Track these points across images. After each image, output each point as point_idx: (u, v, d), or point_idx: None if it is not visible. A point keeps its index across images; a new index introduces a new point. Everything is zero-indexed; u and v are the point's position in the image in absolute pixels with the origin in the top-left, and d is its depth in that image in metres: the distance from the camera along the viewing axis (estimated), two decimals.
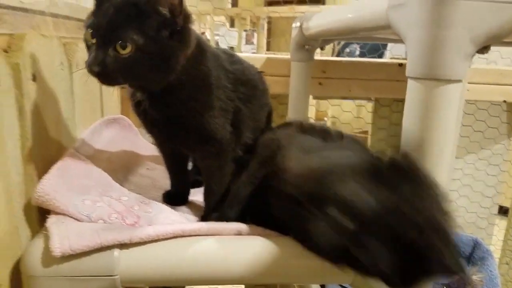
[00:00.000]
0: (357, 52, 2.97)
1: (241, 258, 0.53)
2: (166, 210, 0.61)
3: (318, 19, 0.91)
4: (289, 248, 0.55)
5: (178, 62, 0.56)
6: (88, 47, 0.55)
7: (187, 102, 0.60)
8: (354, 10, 0.70)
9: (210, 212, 0.66)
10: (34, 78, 0.60)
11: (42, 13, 0.66)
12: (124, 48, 0.51)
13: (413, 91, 0.52)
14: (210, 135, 0.62)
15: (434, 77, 0.49)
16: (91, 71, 0.53)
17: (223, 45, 3.31)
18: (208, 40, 3.67)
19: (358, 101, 1.66)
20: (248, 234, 0.56)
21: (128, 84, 0.59)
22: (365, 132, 1.50)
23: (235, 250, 0.54)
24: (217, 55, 0.66)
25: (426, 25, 0.48)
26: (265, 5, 3.12)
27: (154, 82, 0.57)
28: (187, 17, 0.56)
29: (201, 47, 0.62)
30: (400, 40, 0.56)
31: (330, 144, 0.61)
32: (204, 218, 0.65)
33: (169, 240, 0.52)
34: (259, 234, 0.57)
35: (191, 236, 0.54)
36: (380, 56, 1.56)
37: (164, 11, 0.53)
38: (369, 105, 1.43)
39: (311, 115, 2.21)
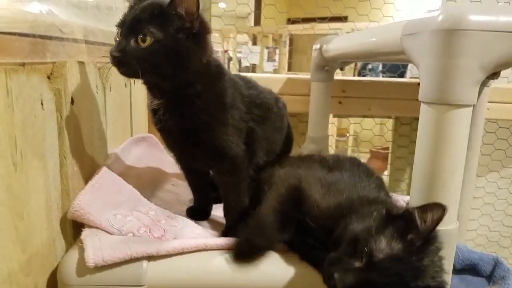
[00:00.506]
0: (380, 68, 2.97)
1: (261, 272, 0.56)
2: (190, 224, 0.65)
3: (337, 43, 0.95)
4: (305, 266, 0.58)
5: (191, 63, 0.61)
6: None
7: (201, 115, 0.63)
8: (370, 36, 0.73)
9: (231, 227, 0.69)
10: (72, 102, 0.66)
11: (79, 41, 0.72)
12: (144, 41, 0.57)
13: (425, 115, 0.54)
14: (223, 152, 0.65)
15: (445, 102, 0.52)
16: (112, 56, 0.58)
17: (246, 63, 3.38)
18: (231, 58, 3.74)
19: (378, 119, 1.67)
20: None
21: (143, 80, 0.63)
22: (386, 149, 1.51)
23: (255, 264, 0.57)
24: (234, 80, 0.70)
25: (437, 53, 0.51)
26: (287, 23, 3.17)
27: (167, 78, 0.60)
28: (203, 23, 0.61)
29: (220, 69, 0.67)
30: None
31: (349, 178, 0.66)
32: (224, 233, 0.69)
33: (193, 253, 0.56)
34: (278, 251, 0.60)
35: (214, 250, 0.57)
36: (401, 75, 1.58)
37: (183, 14, 0.59)
38: (390, 122, 1.45)
39: (332, 132, 2.23)
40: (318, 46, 1.04)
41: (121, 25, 0.60)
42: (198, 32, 0.60)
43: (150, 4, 0.59)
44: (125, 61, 0.58)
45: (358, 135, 2.94)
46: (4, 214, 0.47)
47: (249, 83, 0.75)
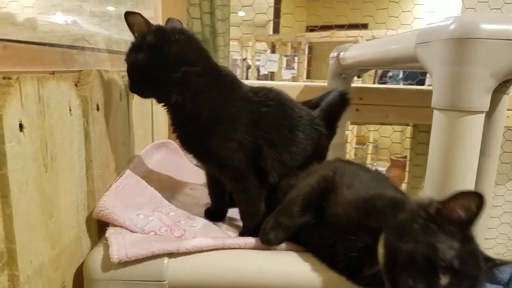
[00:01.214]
0: (400, 76, 2.96)
1: (277, 270, 0.58)
2: (209, 225, 0.68)
3: (353, 51, 0.97)
4: (322, 265, 0.59)
5: (154, 75, 0.67)
6: None
7: (192, 125, 0.67)
8: (386, 44, 0.75)
9: (246, 231, 0.71)
10: (98, 108, 0.70)
11: (103, 50, 0.76)
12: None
13: (438, 121, 0.56)
14: (222, 162, 0.67)
15: (457, 109, 0.53)
16: None
17: (264, 71, 3.41)
18: (249, 66, 3.78)
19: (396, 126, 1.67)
20: (284, 249, 0.61)
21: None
22: (405, 157, 1.51)
23: (272, 263, 0.59)
24: (247, 98, 0.70)
25: (449, 61, 0.52)
26: (306, 31, 3.20)
27: (145, 91, 0.72)
28: (161, 36, 0.66)
29: (215, 81, 0.68)
30: None
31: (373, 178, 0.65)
32: (241, 234, 0.71)
33: (211, 252, 0.58)
34: (294, 250, 0.62)
35: (231, 249, 0.59)
36: (420, 83, 1.58)
37: (136, 34, 0.67)
38: (409, 130, 1.44)
39: (351, 140, 2.23)
40: (335, 54, 1.06)
41: None
42: (155, 44, 0.65)
43: None
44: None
45: (377, 142, 2.93)
46: (36, 212, 0.50)
47: (266, 98, 0.72)
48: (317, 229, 0.60)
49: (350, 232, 0.54)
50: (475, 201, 0.47)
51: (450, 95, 0.53)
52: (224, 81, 0.69)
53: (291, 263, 0.59)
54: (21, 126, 0.47)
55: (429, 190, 0.57)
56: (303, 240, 0.62)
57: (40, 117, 0.51)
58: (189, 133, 0.68)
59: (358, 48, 0.93)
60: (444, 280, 0.46)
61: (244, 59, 3.86)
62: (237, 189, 0.71)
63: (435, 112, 0.57)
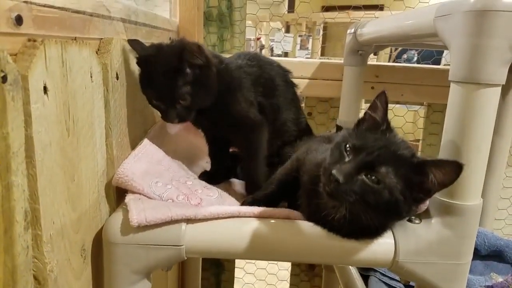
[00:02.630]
0: (415, 58, 2.91)
1: (289, 238, 0.59)
2: (225, 195, 0.69)
3: (371, 26, 0.95)
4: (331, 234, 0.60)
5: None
6: None
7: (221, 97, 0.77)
8: (404, 19, 0.74)
9: (254, 187, 0.77)
10: (118, 77, 0.71)
11: (124, 20, 0.76)
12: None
13: (454, 94, 0.56)
14: (242, 119, 0.79)
15: (474, 81, 0.53)
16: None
17: (278, 51, 3.38)
18: (263, 45, 3.74)
19: (410, 109, 1.66)
20: (296, 218, 0.63)
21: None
22: (417, 141, 1.50)
23: (284, 231, 0.60)
24: (238, 67, 0.83)
25: (468, 33, 0.52)
26: (321, 11, 3.15)
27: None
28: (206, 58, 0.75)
29: (223, 67, 0.80)
30: (446, 47, 0.59)
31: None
32: (249, 191, 0.78)
33: (227, 219, 0.60)
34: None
35: (246, 217, 0.61)
36: (436, 62, 1.56)
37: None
38: (421, 121, 1.43)
39: None
40: (352, 30, 1.05)
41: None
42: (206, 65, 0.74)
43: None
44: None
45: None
46: (59, 174, 0.51)
47: (252, 61, 0.86)
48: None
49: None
50: None
51: (467, 68, 0.53)
52: (224, 66, 0.81)
53: (304, 231, 0.60)
54: (45, 89, 0.48)
55: None
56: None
57: (64, 81, 0.52)
58: (210, 110, 0.77)
59: (376, 23, 0.92)
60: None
61: (258, 38, 3.83)
62: (251, 139, 0.80)
63: (452, 85, 0.57)
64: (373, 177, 0.53)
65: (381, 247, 0.59)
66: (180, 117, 0.72)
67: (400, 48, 2.90)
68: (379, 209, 0.54)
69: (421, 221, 0.60)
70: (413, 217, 0.61)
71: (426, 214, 0.61)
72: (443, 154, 0.58)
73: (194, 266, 1.36)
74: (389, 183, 0.53)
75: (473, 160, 0.54)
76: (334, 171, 0.54)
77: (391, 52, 3.12)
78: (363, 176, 0.54)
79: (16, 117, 0.43)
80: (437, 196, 0.58)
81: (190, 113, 0.74)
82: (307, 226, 0.61)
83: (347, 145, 0.57)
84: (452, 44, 0.55)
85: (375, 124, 0.59)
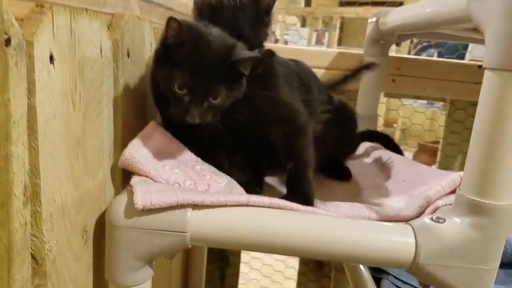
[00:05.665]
0: (435, 56, 2.85)
1: (300, 232, 0.56)
2: (233, 183, 0.66)
3: (396, 14, 0.91)
4: (344, 228, 0.57)
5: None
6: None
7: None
8: (433, 4, 0.70)
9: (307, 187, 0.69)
10: (128, 55, 0.68)
11: None
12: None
13: (488, 82, 0.51)
14: (290, 111, 0.69)
15: (511, 68, 0.49)
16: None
17: (292, 44, 3.34)
18: (277, 40, 3.70)
19: (430, 107, 1.61)
20: (305, 211, 0.59)
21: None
22: (436, 143, 1.46)
23: (295, 224, 0.56)
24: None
25: (507, 15, 0.48)
26: (339, 6, 3.09)
27: None
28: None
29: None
30: (477, 40, 0.55)
31: None
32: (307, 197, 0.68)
33: (235, 207, 0.56)
34: (313, 212, 0.60)
35: (255, 207, 0.57)
36: (460, 57, 1.51)
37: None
38: (442, 118, 1.38)
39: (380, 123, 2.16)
40: (374, 19, 1.01)
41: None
42: None
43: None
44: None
45: (407, 128, 2.85)
46: (61, 148, 0.49)
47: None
48: None
49: None
50: None
51: (505, 53, 0.49)
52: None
53: (317, 225, 0.57)
54: (51, 58, 0.45)
55: (473, 154, 0.53)
56: None
57: (71, 52, 0.49)
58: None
59: (401, 10, 0.88)
60: None
61: (272, 32, 3.79)
62: (297, 144, 0.70)
63: (486, 72, 0.52)
64: None
65: (400, 245, 0.55)
66: (202, 118, 0.61)
67: (419, 46, 2.84)
68: None
69: (445, 221, 0.55)
70: (437, 216, 0.56)
71: (451, 213, 0.56)
72: (473, 148, 0.54)
73: (199, 258, 1.33)
74: None
75: (508, 155, 0.50)
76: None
77: (409, 50, 3.06)
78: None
79: (19, 84, 0.40)
80: (465, 194, 0.54)
81: (216, 115, 0.63)
82: (320, 220, 0.57)
83: None
84: (488, 28, 0.51)
85: None
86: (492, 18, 0.50)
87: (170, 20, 0.58)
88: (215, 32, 0.63)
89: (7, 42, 0.38)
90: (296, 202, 0.61)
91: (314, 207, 0.63)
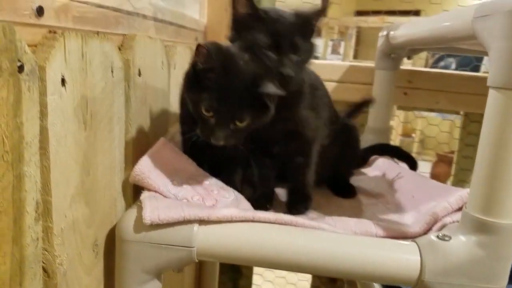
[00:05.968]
0: (453, 66, 2.81)
1: (306, 249, 0.56)
2: (241, 198, 0.67)
3: (405, 28, 0.91)
4: (349, 245, 0.57)
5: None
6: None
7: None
8: (440, 20, 0.70)
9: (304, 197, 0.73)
10: (140, 74, 0.70)
11: (148, 17, 0.76)
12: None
13: (493, 101, 0.51)
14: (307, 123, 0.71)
15: None
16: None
17: None
18: None
19: (445, 118, 1.59)
20: (312, 227, 0.60)
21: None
22: (452, 152, 1.44)
23: (301, 241, 0.57)
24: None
25: (510, 35, 0.48)
26: (354, 15, 3.08)
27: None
28: None
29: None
30: (485, 53, 0.55)
31: None
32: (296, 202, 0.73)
33: (241, 223, 0.57)
34: (319, 227, 0.61)
35: (261, 223, 0.58)
36: (475, 69, 1.49)
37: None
38: (457, 131, 1.37)
39: (397, 132, 2.14)
40: (385, 32, 1.01)
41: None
42: None
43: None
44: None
45: (425, 138, 2.81)
46: (73, 166, 0.51)
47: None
48: None
49: None
50: None
51: (509, 73, 0.49)
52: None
53: (323, 242, 0.57)
54: (63, 81, 0.47)
55: (478, 173, 0.53)
56: None
57: (82, 74, 0.51)
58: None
59: (410, 25, 0.88)
60: None
61: None
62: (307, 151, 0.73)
63: (490, 91, 0.52)
64: None
65: (406, 263, 0.55)
66: (227, 140, 0.62)
67: (437, 55, 2.81)
68: None
69: (451, 238, 0.55)
70: (442, 233, 0.56)
71: (457, 231, 0.56)
72: (478, 166, 0.53)
73: (212, 269, 1.34)
74: None
75: None
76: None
77: (427, 60, 3.03)
78: None
79: (32, 108, 0.43)
80: (470, 212, 0.54)
81: (240, 137, 0.64)
82: (325, 237, 0.58)
83: None
84: (492, 47, 0.51)
85: None
86: (496, 38, 0.50)
87: (199, 46, 0.60)
88: (245, 58, 0.63)
89: (20, 68, 0.40)
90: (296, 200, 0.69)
91: (320, 223, 0.63)
